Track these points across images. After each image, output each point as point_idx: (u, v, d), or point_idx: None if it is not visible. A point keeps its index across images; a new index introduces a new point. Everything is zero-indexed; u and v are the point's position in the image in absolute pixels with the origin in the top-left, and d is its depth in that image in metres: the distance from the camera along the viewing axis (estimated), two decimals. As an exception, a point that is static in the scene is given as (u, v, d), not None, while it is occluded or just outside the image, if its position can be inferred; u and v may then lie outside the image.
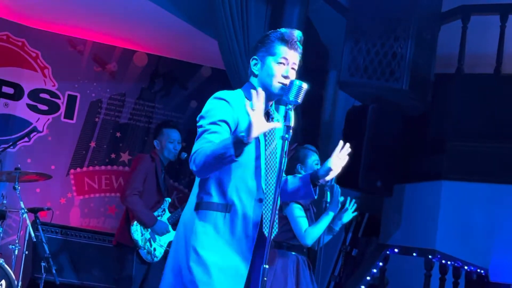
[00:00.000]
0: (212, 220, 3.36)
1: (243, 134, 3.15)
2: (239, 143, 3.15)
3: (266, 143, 3.47)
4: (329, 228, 5.23)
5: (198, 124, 3.42)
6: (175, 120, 8.77)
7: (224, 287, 3.32)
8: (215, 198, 3.38)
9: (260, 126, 3.16)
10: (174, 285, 3.37)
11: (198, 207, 3.40)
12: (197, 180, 3.47)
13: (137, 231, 5.84)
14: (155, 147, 6.11)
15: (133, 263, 5.86)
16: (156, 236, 5.90)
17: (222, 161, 3.20)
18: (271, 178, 3.46)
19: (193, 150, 3.32)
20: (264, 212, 3.42)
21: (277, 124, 3.29)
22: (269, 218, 3.41)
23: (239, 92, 3.51)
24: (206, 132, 3.33)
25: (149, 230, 5.88)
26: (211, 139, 3.30)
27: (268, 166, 3.46)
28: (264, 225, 3.43)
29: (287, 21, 7.39)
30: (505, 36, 8.20)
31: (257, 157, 3.42)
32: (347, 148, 3.59)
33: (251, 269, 3.43)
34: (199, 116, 3.45)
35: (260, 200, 3.41)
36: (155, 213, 5.94)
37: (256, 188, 3.41)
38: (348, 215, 5.27)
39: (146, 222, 5.85)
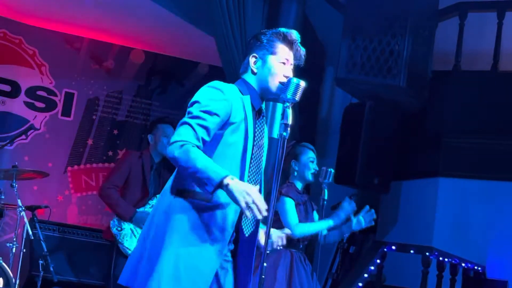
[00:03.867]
0: (192, 209, 3.30)
1: (230, 186, 3.12)
2: (220, 186, 3.14)
3: (255, 138, 3.44)
4: (340, 235, 5.25)
5: (189, 109, 3.34)
6: (172, 117, 8.77)
7: (192, 280, 3.25)
8: (197, 187, 3.31)
9: (248, 196, 3.13)
10: (141, 269, 3.29)
11: (178, 194, 3.34)
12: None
13: (116, 226, 5.82)
14: (149, 142, 6.09)
15: (113, 259, 5.84)
16: (138, 230, 5.86)
17: (198, 182, 3.19)
18: (253, 175, 3.44)
19: (180, 135, 3.24)
20: None
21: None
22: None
23: (232, 85, 3.47)
24: (196, 119, 3.27)
25: (131, 224, 5.84)
26: (198, 130, 3.25)
27: (253, 163, 3.44)
28: (243, 222, 3.40)
29: (284, 18, 7.39)
30: (502, 33, 8.22)
31: (244, 152, 3.39)
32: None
33: (234, 266, 3.41)
34: (192, 101, 3.37)
35: None
36: (140, 210, 5.90)
37: None
38: (359, 224, 5.22)
39: (122, 215, 5.80)
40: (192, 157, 3.18)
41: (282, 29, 3.53)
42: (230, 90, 3.40)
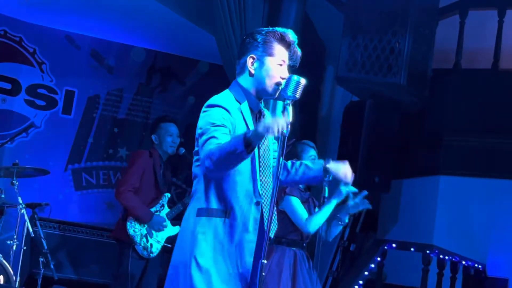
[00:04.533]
0: (212, 227, 3.35)
1: (250, 135, 3.14)
2: (248, 140, 3.14)
3: (259, 142, 3.44)
4: (338, 219, 5.21)
5: (200, 132, 3.37)
6: (173, 115, 8.77)
7: None
8: (214, 204, 3.37)
9: (272, 127, 3.13)
10: None
11: (199, 214, 3.39)
12: (198, 185, 3.44)
13: (133, 227, 5.84)
14: (153, 142, 6.10)
15: (129, 259, 5.86)
16: (153, 232, 5.90)
17: (235, 158, 3.19)
18: (265, 177, 3.46)
19: (205, 152, 3.28)
20: (264, 213, 3.42)
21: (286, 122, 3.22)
22: (267, 218, 3.40)
23: (228, 94, 3.48)
24: (216, 131, 3.31)
25: (146, 225, 5.88)
26: (222, 137, 3.29)
27: (262, 166, 3.46)
28: (262, 226, 3.42)
29: (284, 16, 7.39)
30: (503, 31, 8.21)
31: (252, 159, 3.41)
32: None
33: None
34: (199, 126, 3.41)
35: (258, 203, 3.40)
36: (153, 209, 5.94)
37: (253, 191, 3.41)
38: (356, 207, 5.20)
39: (142, 218, 5.84)
40: (218, 150, 3.21)
41: (279, 29, 3.53)
42: (227, 103, 3.41)
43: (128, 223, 5.85)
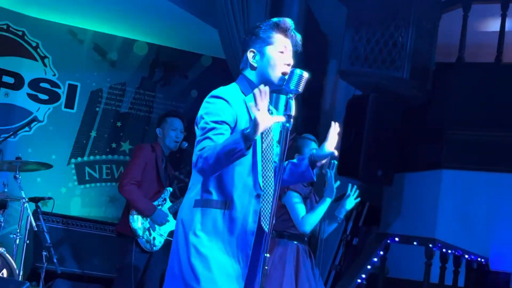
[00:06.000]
0: (211, 218, 3.34)
1: (248, 130, 3.14)
2: (246, 138, 3.15)
3: (263, 137, 3.45)
4: (333, 216, 5.24)
5: (199, 125, 3.39)
6: (175, 109, 8.76)
7: (226, 281, 3.31)
8: (214, 195, 3.36)
9: (265, 123, 3.15)
10: (176, 282, 3.36)
11: (197, 205, 3.38)
12: (195, 177, 3.44)
13: (135, 221, 5.83)
14: (157, 135, 6.10)
15: (133, 253, 5.86)
16: (156, 226, 5.91)
17: (232, 156, 3.18)
18: (268, 171, 3.46)
19: (199, 148, 3.30)
20: (262, 206, 3.41)
21: (281, 118, 3.27)
22: (268, 212, 3.41)
23: (234, 86, 3.49)
24: (211, 131, 3.32)
25: (148, 219, 5.88)
26: (216, 139, 3.29)
27: (265, 160, 3.45)
28: (262, 219, 3.42)
29: (287, 10, 7.37)
30: (506, 25, 8.20)
31: (254, 153, 3.41)
32: (337, 127, 3.65)
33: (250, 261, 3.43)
34: (199, 116, 3.43)
35: (258, 196, 3.39)
36: (155, 203, 5.94)
37: (253, 184, 3.40)
38: (351, 202, 5.24)
39: (144, 211, 5.83)
40: (213, 150, 3.21)
41: (275, 19, 3.53)
42: (232, 95, 3.41)
43: (130, 216, 5.84)
